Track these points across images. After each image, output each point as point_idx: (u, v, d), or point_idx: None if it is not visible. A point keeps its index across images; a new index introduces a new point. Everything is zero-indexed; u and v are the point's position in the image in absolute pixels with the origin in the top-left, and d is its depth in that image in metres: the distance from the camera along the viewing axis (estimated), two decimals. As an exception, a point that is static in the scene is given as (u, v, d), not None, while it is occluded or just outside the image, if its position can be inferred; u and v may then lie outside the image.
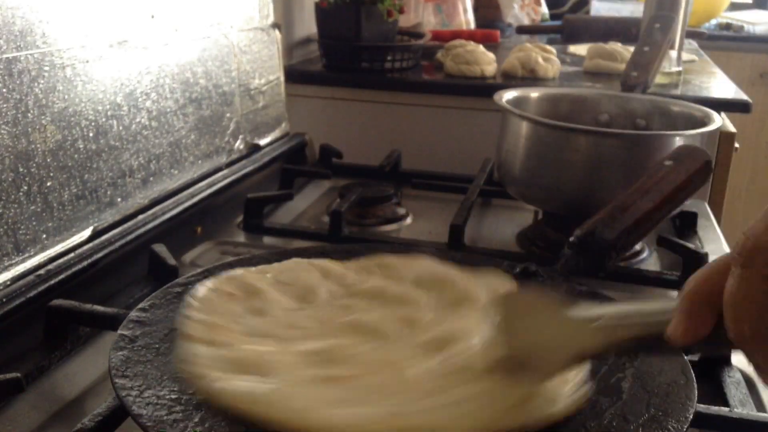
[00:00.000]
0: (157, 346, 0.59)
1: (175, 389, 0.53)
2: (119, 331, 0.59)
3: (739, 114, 1.46)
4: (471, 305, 0.65)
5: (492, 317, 0.56)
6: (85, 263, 0.76)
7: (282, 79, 1.30)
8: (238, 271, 0.71)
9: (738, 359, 0.69)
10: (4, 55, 0.70)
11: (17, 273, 0.70)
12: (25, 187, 0.72)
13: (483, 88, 1.45)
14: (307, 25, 1.65)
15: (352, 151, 1.30)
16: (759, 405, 0.65)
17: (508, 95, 1.03)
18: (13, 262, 0.70)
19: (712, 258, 0.91)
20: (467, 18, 2.19)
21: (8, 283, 0.69)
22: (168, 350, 0.59)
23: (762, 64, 3.04)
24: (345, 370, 0.55)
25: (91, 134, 0.81)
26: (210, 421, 0.50)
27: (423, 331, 0.61)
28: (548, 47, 1.67)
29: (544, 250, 0.96)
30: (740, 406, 0.61)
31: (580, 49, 1.94)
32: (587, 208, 0.79)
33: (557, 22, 2.30)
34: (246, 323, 0.62)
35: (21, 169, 0.71)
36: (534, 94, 1.10)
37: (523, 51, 1.61)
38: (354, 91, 1.53)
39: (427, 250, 0.79)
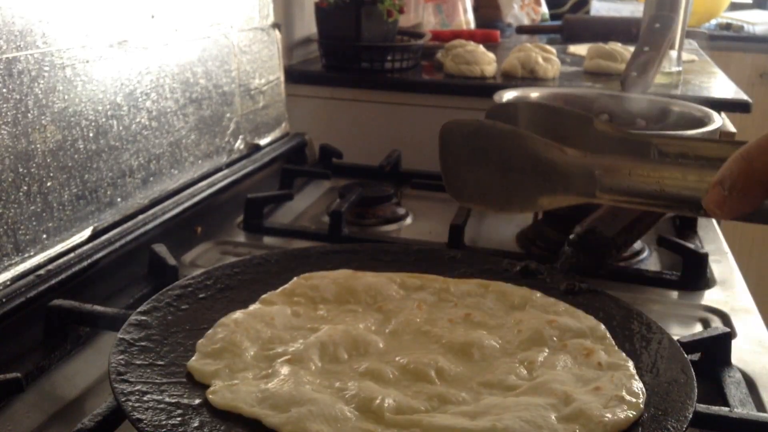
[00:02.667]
0: (157, 349, 0.58)
1: (175, 393, 0.53)
2: (119, 335, 0.59)
3: (739, 114, 1.46)
4: None
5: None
6: (85, 263, 0.76)
7: (282, 79, 1.30)
8: None
9: (738, 359, 0.69)
10: (4, 55, 0.70)
11: (17, 273, 0.70)
12: (25, 187, 0.72)
13: (483, 88, 1.45)
14: (307, 25, 1.65)
15: (352, 151, 1.30)
16: (759, 405, 0.65)
17: (508, 95, 1.03)
18: (13, 262, 0.70)
19: (712, 258, 0.91)
20: (467, 18, 2.19)
21: (8, 283, 0.69)
22: (168, 353, 0.59)
23: (762, 64, 3.04)
24: None
25: (91, 134, 0.81)
26: (209, 426, 0.50)
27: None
28: (548, 47, 1.67)
29: (543, 250, 0.96)
30: (740, 406, 0.61)
31: (580, 49, 1.94)
32: (587, 208, 0.79)
33: (557, 22, 2.31)
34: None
35: (21, 169, 0.71)
36: (534, 94, 1.10)
37: (523, 51, 1.61)
38: (354, 91, 1.53)
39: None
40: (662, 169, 0.44)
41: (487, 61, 1.56)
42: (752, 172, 0.38)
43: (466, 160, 0.50)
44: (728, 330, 0.69)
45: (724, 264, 0.93)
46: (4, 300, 0.66)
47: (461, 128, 0.51)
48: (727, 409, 0.60)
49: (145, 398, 0.52)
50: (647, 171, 0.44)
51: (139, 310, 0.63)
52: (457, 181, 0.50)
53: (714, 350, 0.68)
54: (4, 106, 0.69)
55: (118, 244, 0.81)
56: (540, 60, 1.57)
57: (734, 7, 3.35)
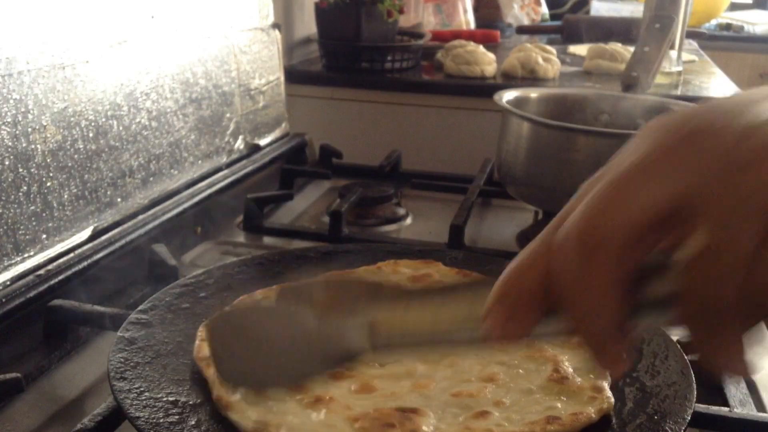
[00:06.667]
0: (156, 347, 0.59)
1: (173, 391, 0.53)
2: (118, 333, 0.59)
3: (739, 114, 1.46)
4: None
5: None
6: (85, 263, 0.76)
7: (282, 79, 1.30)
8: None
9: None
10: (4, 55, 0.70)
11: (17, 273, 0.70)
12: (25, 188, 0.72)
13: (483, 88, 1.45)
14: (307, 25, 1.65)
15: (352, 151, 1.30)
16: (759, 405, 0.65)
17: (508, 95, 1.03)
18: (13, 262, 0.70)
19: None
20: (467, 18, 2.19)
21: (8, 283, 0.69)
22: (168, 351, 0.59)
23: (762, 64, 3.04)
24: None
25: (91, 134, 0.81)
26: (206, 424, 0.50)
27: None
28: (548, 47, 1.67)
29: (544, 250, 0.96)
30: (740, 406, 0.61)
31: (580, 49, 1.94)
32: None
33: (557, 22, 2.31)
34: None
35: (21, 170, 0.71)
36: (534, 94, 1.10)
37: (523, 51, 1.61)
38: (354, 91, 1.53)
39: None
40: (442, 305, 0.41)
41: (487, 62, 1.56)
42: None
43: (236, 347, 0.48)
44: (728, 330, 0.69)
45: (723, 264, 0.93)
46: (4, 300, 0.66)
47: (228, 319, 0.50)
48: (726, 409, 0.60)
49: (143, 396, 0.52)
50: (424, 307, 0.41)
51: (139, 308, 0.63)
52: (230, 367, 0.48)
53: (714, 350, 0.68)
54: (4, 106, 0.69)
55: (118, 244, 0.81)
56: (540, 60, 1.57)
57: (734, 7, 3.35)
